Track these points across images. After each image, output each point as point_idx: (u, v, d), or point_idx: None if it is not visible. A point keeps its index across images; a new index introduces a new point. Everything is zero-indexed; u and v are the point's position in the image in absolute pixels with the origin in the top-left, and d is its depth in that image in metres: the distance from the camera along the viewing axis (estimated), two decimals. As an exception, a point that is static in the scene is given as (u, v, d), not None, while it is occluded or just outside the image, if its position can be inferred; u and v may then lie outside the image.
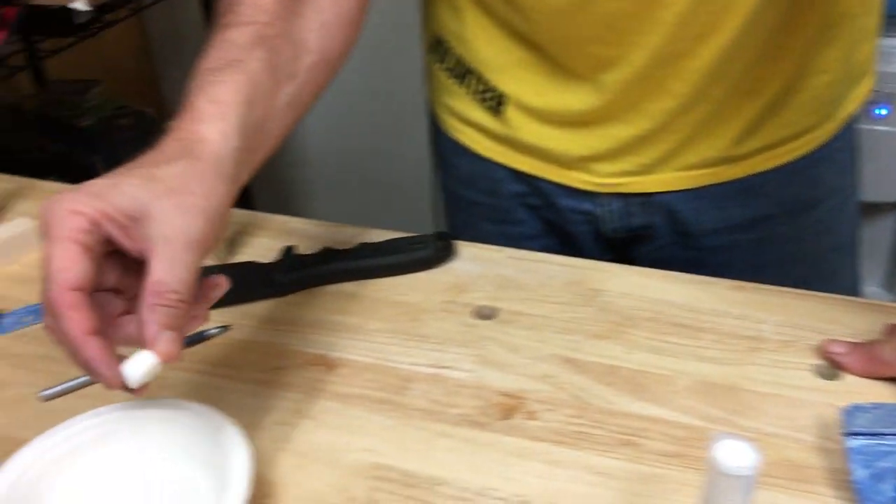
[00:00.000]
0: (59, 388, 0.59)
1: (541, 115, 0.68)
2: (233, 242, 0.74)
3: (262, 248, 0.74)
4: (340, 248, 0.70)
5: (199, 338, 0.63)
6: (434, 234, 0.71)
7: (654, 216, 0.71)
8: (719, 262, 0.72)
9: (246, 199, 1.94)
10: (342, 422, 0.56)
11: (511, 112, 0.70)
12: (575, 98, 0.66)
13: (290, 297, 0.68)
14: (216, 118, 0.50)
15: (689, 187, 0.70)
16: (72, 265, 0.43)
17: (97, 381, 0.45)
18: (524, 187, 0.74)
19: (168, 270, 0.45)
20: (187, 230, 0.46)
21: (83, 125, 1.55)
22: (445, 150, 0.79)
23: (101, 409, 0.52)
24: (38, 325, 0.65)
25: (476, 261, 0.70)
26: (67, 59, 1.55)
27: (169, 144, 0.49)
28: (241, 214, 0.77)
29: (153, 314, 0.44)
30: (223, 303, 0.67)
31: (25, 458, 0.49)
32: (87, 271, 0.44)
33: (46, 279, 0.43)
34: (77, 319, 0.43)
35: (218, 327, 0.64)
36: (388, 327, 0.64)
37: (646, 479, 0.50)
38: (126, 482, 0.51)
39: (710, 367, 0.58)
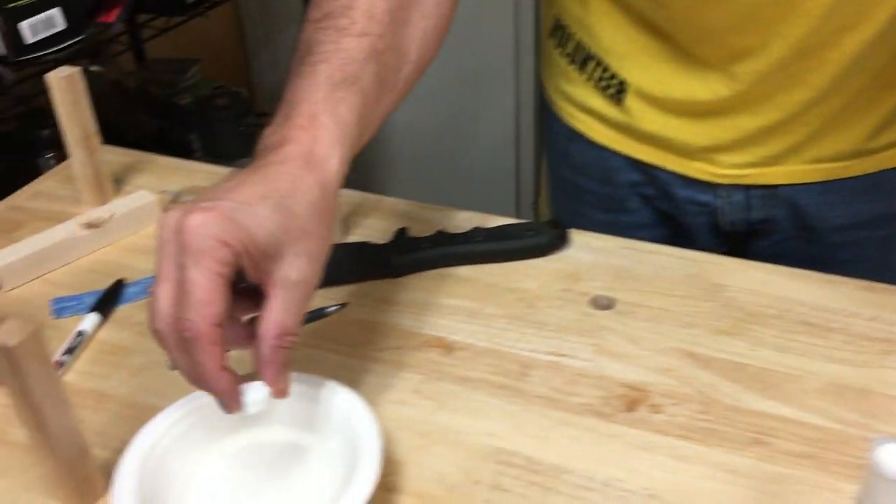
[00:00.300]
0: (186, 358, 0.60)
1: (663, 105, 0.67)
2: (346, 223, 0.75)
3: (372, 228, 0.74)
4: (452, 232, 0.70)
5: (318, 315, 0.63)
6: (549, 222, 0.70)
7: (777, 210, 0.69)
8: (844, 259, 0.70)
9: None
10: (463, 405, 0.56)
11: (632, 100, 0.69)
12: (702, 88, 0.64)
13: (404, 279, 0.68)
14: (339, 143, 0.48)
15: (818, 180, 0.67)
16: (218, 300, 0.43)
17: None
18: (640, 176, 0.73)
19: (290, 314, 0.45)
20: (311, 277, 0.46)
21: (182, 103, 1.59)
22: (559, 137, 0.78)
23: (233, 379, 0.53)
24: (162, 296, 0.67)
25: (588, 249, 0.70)
26: (164, 38, 1.59)
27: (294, 161, 0.46)
28: (354, 195, 0.78)
29: (275, 356, 0.45)
30: (340, 281, 0.68)
31: (158, 428, 0.50)
32: (228, 306, 0.43)
33: (186, 306, 0.42)
34: (215, 355, 0.43)
35: (336, 305, 0.64)
36: (504, 313, 0.63)
37: (778, 479, 0.49)
38: (255, 455, 0.52)
39: (841, 369, 0.56)
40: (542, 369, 0.58)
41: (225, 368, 0.45)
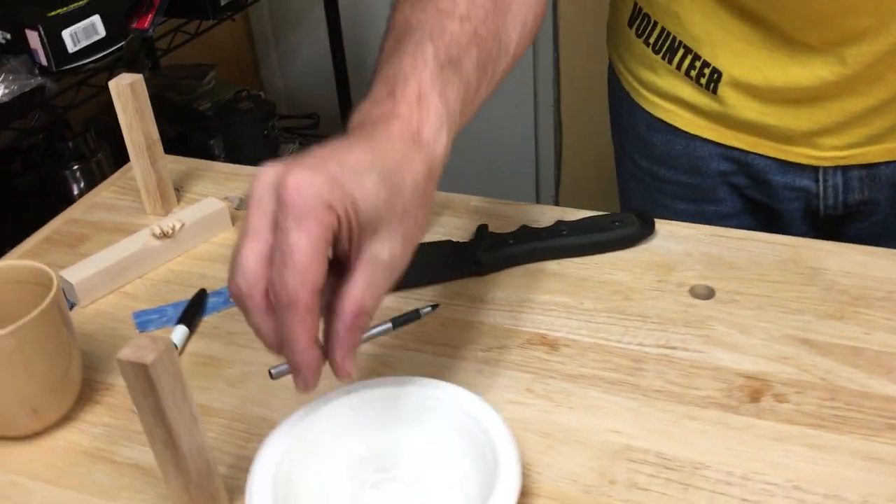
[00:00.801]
0: (288, 366, 0.58)
1: (762, 93, 0.66)
2: (423, 221, 0.73)
3: (450, 226, 0.73)
4: (535, 226, 0.69)
5: (413, 317, 0.62)
6: (634, 212, 0.69)
7: (877, 191, 0.68)
8: None
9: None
10: (580, 402, 0.54)
11: (726, 90, 0.67)
12: (806, 74, 0.63)
13: (492, 277, 0.67)
14: (446, 125, 0.46)
15: None
16: (319, 266, 0.40)
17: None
18: (731, 166, 0.72)
19: (372, 294, 0.43)
20: (401, 260, 0.44)
21: (201, 108, 1.57)
22: (637, 126, 0.77)
23: (350, 385, 0.51)
24: (246, 304, 0.66)
25: (676, 239, 0.68)
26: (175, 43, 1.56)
27: (402, 139, 0.44)
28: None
29: (350, 335, 0.43)
30: (427, 281, 0.67)
31: (281, 442, 0.48)
32: (326, 272, 0.41)
33: (286, 270, 0.39)
34: (310, 325, 0.41)
35: (429, 306, 0.63)
36: (603, 307, 0.62)
37: (922, 465, 0.48)
38: (380, 461, 0.50)
39: (961, 349, 0.55)
40: (654, 363, 0.57)
41: (316, 341, 0.42)
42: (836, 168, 0.68)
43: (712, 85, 0.67)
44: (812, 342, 0.57)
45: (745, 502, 0.47)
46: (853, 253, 0.64)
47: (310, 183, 0.39)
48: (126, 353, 0.41)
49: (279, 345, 0.43)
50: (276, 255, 0.40)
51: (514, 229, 0.69)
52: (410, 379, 0.51)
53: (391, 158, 0.43)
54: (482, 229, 0.69)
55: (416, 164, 0.44)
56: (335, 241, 0.42)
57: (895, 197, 0.69)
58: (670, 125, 0.73)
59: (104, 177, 0.92)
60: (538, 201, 2.01)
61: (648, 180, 0.78)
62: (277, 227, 0.40)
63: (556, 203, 1.97)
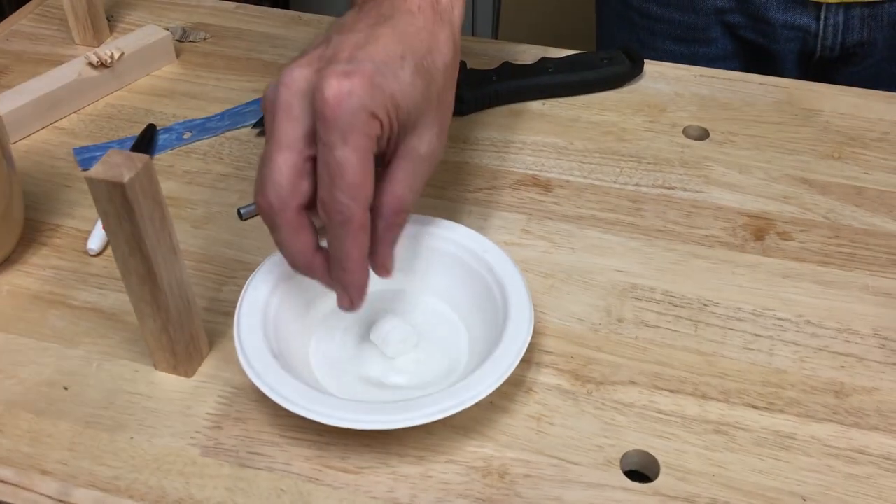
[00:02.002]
0: (258, 206, 0.53)
1: None
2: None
3: (422, 64, 0.67)
4: (518, 63, 0.64)
5: (394, 155, 0.57)
6: (622, 50, 0.65)
7: (877, 31, 0.66)
8: None
9: None
10: (580, 243, 0.51)
11: None
12: None
13: (473, 116, 0.62)
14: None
15: None
16: (370, 179, 0.37)
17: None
18: (729, 2, 0.68)
19: (412, 190, 0.40)
20: (439, 151, 0.41)
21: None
22: None
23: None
24: (203, 141, 0.59)
25: (664, 80, 0.65)
26: None
27: (424, 12, 0.40)
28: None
29: (390, 233, 0.40)
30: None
31: (264, 283, 0.44)
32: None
33: (334, 185, 0.36)
34: (363, 242, 0.38)
35: (409, 145, 0.58)
36: (595, 147, 0.58)
37: (929, 299, 0.48)
38: (377, 301, 0.46)
39: (959, 189, 0.55)
40: (654, 203, 0.54)
41: (366, 259, 0.39)
42: (839, 5, 0.65)
43: None
44: (812, 181, 0.55)
45: (758, 337, 0.46)
46: (846, 95, 0.62)
47: (350, 93, 0.36)
48: (98, 170, 0.35)
49: (307, 265, 0.40)
50: (322, 172, 0.37)
51: (495, 66, 0.64)
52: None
53: (420, 42, 0.40)
54: (461, 66, 0.64)
55: (443, 44, 0.41)
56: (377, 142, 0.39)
57: (894, 38, 0.66)
58: None
59: (18, 3, 0.80)
60: (472, 33, 1.91)
61: (637, 18, 0.73)
62: (320, 141, 0.37)
63: (495, 35, 1.88)
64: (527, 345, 0.40)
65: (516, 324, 0.41)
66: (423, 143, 0.40)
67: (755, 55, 0.70)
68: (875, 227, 0.52)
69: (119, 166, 0.35)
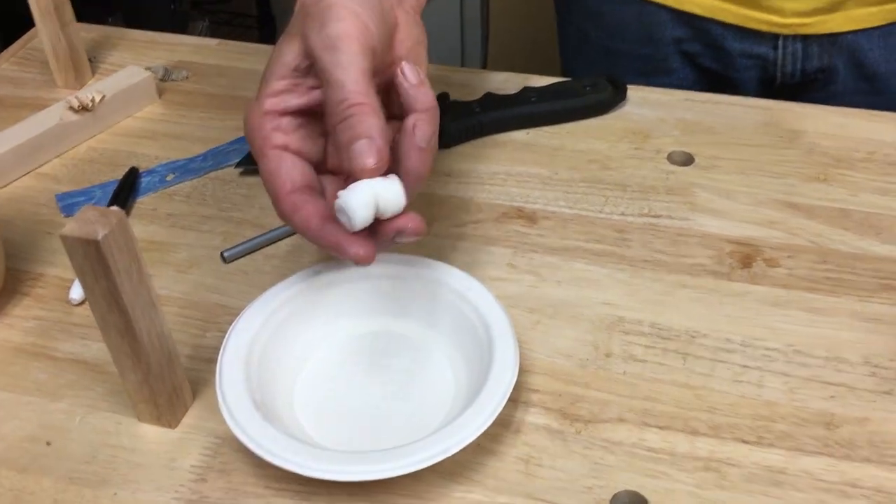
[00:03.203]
0: (241, 248, 0.53)
1: None
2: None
3: (405, 96, 0.67)
4: (500, 93, 0.64)
5: (378, 191, 0.56)
6: (605, 77, 0.64)
7: (836, 58, 0.66)
8: None
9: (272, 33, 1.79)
10: (567, 276, 0.51)
11: None
12: None
13: (457, 149, 0.62)
14: None
15: (880, 24, 0.64)
16: (371, 87, 0.40)
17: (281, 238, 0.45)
18: (686, 31, 0.68)
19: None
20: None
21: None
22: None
23: (318, 266, 0.46)
24: (186, 183, 0.59)
25: (648, 105, 0.64)
26: None
27: None
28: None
29: (426, 154, 0.41)
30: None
31: (253, 322, 0.44)
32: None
33: (346, 144, 0.38)
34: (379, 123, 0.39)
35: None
36: (580, 176, 0.58)
37: (918, 322, 0.47)
38: (365, 341, 0.46)
39: (945, 208, 0.54)
40: (639, 232, 0.54)
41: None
42: (796, 35, 0.65)
43: None
44: (798, 206, 0.55)
45: (747, 369, 0.45)
46: (830, 114, 0.62)
47: (350, 63, 0.39)
48: (72, 227, 0.35)
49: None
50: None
51: (478, 97, 0.64)
52: (390, 256, 0.47)
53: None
54: (444, 97, 0.64)
55: None
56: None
57: (854, 64, 0.66)
58: None
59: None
60: (463, 65, 1.92)
61: (595, 55, 0.73)
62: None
63: (484, 67, 1.89)
64: (511, 387, 0.40)
65: (501, 366, 0.41)
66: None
67: (717, 83, 0.70)
68: (863, 251, 0.52)
69: (93, 223, 0.35)
